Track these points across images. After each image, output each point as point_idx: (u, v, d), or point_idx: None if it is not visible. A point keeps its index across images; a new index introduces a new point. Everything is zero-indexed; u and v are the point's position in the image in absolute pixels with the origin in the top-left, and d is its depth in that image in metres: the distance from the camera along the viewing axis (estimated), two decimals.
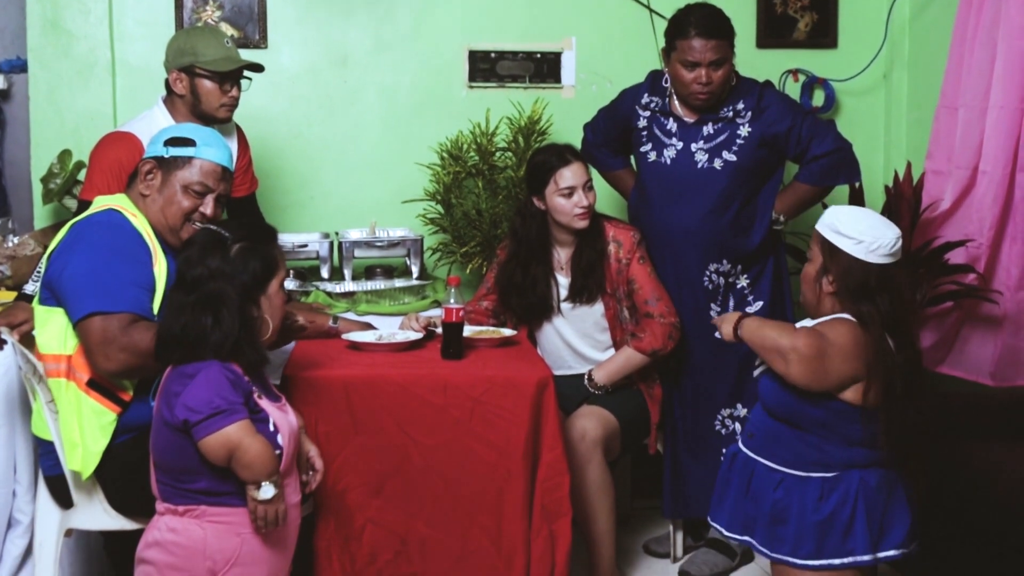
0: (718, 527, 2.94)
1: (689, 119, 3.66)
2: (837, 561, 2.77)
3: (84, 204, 3.35)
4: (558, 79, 4.54)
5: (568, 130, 4.19)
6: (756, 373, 2.98)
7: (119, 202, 2.95)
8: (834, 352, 2.72)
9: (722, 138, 3.62)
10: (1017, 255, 3.73)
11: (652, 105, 3.74)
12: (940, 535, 3.18)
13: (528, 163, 3.71)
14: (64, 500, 2.92)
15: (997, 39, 3.73)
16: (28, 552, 3.32)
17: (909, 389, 2.73)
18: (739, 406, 3.73)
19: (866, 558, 2.77)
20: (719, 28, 3.54)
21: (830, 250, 2.80)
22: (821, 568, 2.77)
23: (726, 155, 3.60)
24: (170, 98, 3.54)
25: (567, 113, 4.45)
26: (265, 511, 2.45)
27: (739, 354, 3.59)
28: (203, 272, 2.55)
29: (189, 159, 2.96)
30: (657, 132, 3.71)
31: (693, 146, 3.64)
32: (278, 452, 2.54)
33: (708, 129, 3.64)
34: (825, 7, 4.63)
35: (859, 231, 2.76)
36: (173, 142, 2.97)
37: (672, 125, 3.69)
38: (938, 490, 3.13)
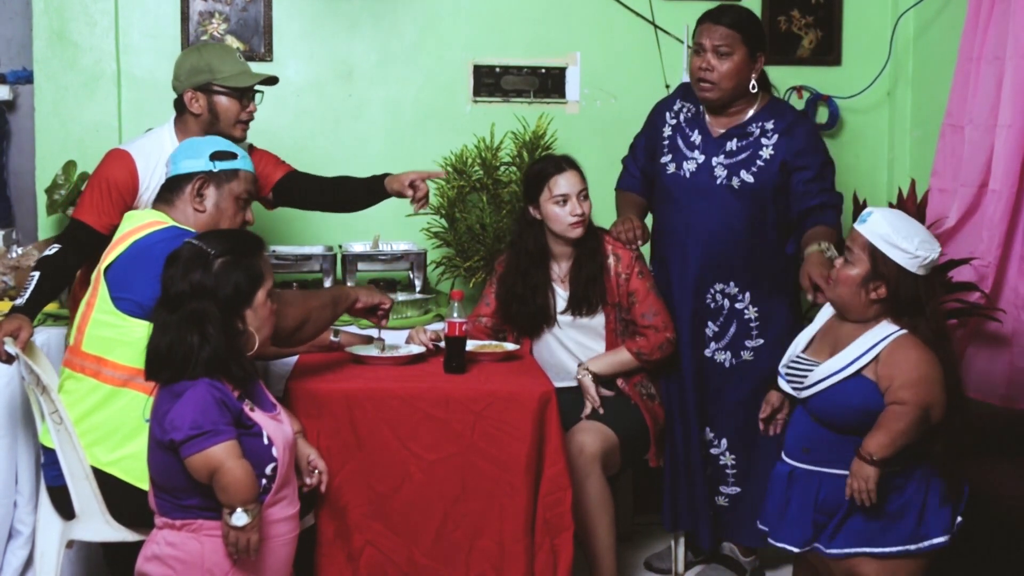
0: (786, 546, 2.91)
1: (715, 132, 3.58)
2: (913, 547, 2.80)
3: (74, 223, 3.32)
4: (563, 94, 4.54)
5: (572, 145, 4.19)
6: (805, 394, 2.91)
7: (162, 219, 2.94)
8: (934, 378, 2.76)
9: (744, 156, 3.53)
10: None
11: (682, 112, 3.68)
12: (941, 553, 3.17)
13: (525, 172, 3.70)
14: (66, 511, 2.92)
15: (1004, 58, 3.74)
16: (29, 563, 3.32)
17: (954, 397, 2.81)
18: (707, 430, 3.65)
19: (942, 539, 2.80)
20: (730, 18, 3.50)
21: (882, 259, 2.79)
22: (899, 555, 2.79)
23: (744, 175, 3.51)
24: (181, 118, 3.44)
25: (571, 128, 4.46)
26: (236, 537, 2.43)
27: (722, 379, 3.60)
28: (185, 288, 2.52)
29: (236, 171, 3.02)
30: (680, 143, 3.63)
31: (714, 160, 3.56)
32: (272, 464, 2.55)
33: (732, 145, 3.55)
34: (829, 25, 4.64)
35: (915, 246, 2.76)
36: (219, 156, 3.01)
37: (696, 137, 3.61)
38: None
